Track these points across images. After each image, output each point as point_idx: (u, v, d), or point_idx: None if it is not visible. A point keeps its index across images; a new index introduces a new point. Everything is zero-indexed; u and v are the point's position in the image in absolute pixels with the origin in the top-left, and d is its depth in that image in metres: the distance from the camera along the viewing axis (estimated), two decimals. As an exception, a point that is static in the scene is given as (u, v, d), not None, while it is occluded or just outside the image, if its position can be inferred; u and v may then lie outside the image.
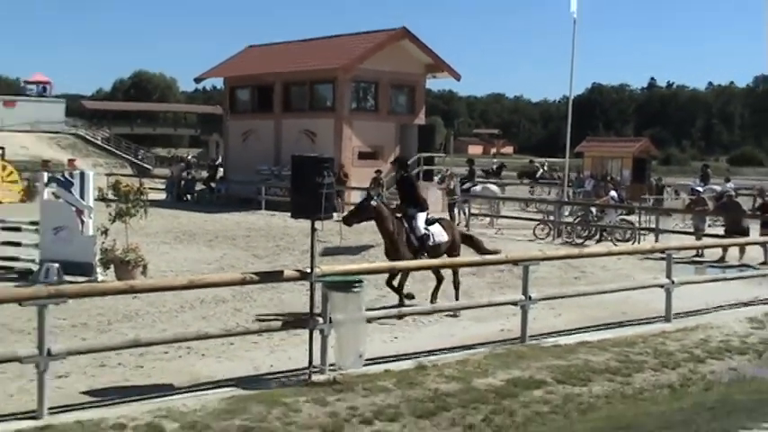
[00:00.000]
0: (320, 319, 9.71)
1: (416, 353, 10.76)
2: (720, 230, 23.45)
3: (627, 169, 42.53)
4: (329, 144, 32.66)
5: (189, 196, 38.61)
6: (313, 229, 9.66)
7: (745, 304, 14.90)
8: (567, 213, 26.98)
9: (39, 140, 72.06)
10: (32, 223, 16.78)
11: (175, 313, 12.98)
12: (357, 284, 9.42)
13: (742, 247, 20.61)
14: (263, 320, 11.87)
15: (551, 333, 12.13)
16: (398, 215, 13.67)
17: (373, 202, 13.26)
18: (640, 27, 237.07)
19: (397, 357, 10.54)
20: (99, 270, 15.71)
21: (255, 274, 10.55)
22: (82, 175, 16.58)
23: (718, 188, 32.90)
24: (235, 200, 33.45)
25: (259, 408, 8.32)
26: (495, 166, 54.99)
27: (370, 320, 10.32)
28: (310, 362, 9.55)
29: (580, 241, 24.40)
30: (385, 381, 9.33)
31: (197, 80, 42.16)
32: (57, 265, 15.26)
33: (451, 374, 9.72)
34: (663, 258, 14.58)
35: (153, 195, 23.47)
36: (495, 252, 14.21)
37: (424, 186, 32.94)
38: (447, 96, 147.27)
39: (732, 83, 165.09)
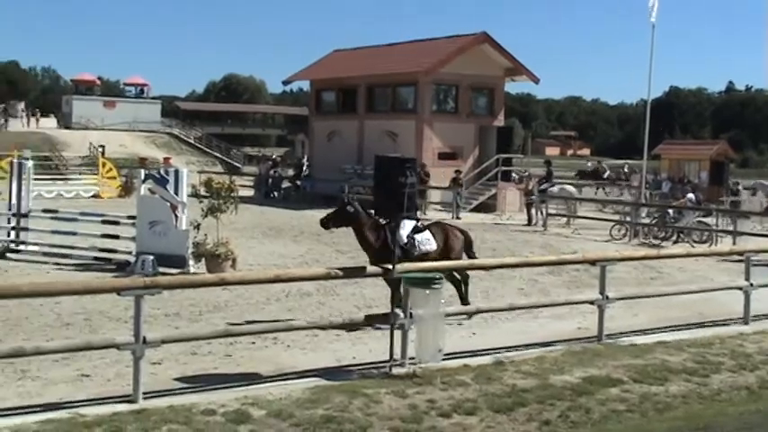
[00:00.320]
0: (401, 314, 9.89)
1: (494, 349, 10.90)
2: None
3: (704, 172, 41.95)
4: (410, 144, 33.04)
5: (276, 193, 39.35)
6: (395, 227, 9.89)
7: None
8: (643, 215, 26.84)
9: (136, 139, 74.00)
10: (130, 217, 17.46)
11: (262, 305, 13.35)
12: (437, 281, 9.64)
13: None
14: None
15: (628, 332, 12.13)
16: (382, 222, 12.28)
17: (350, 208, 12.28)
18: (718, 31, 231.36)
19: (475, 353, 10.64)
20: (191, 263, 16.29)
21: (339, 269, 10.82)
22: (176, 172, 17.15)
23: None
24: (319, 197, 33.96)
25: (341, 398, 8.53)
26: (590, 169, 54.11)
27: (448, 316, 10.46)
28: (391, 355, 9.76)
29: (656, 242, 24.22)
30: (463, 375, 9.47)
31: (285, 82, 44.20)
32: (152, 257, 15.92)
33: (528, 371, 9.81)
34: (739, 261, 14.43)
35: (242, 192, 24.00)
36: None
37: (502, 186, 33.20)
38: (525, 99, 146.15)
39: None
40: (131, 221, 17.35)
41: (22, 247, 18.58)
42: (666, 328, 12.67)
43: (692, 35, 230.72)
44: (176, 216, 16.63)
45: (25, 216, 18.70)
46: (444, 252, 12.49)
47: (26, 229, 18.77)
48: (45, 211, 19.25)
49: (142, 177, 17.95)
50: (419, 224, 12.47)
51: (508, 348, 11.00)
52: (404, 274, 9.97)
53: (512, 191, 33.57)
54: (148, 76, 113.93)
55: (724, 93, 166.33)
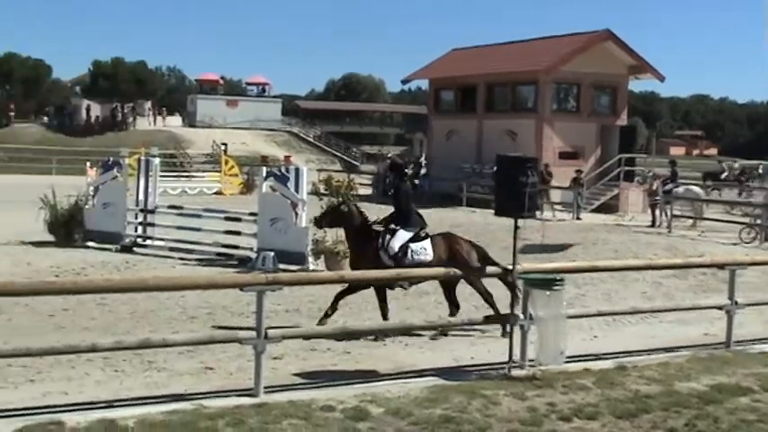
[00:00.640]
0: (521, 315, 9.80)
1: (616, 353, 10.67)
2: None
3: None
4: (530, 144, 32.80)
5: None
6: (516, 227, 9.79)
7: None
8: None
9: (257, 137, 75.78)
10: (251, 214, 17.86)
11: (380, 303, 13.45)
12: (558, 282, 9.49)
13: None
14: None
15: (759, 340, 11.69)
16: (378, 227, 12.08)
17: (344, 207, 12.15)
18: None
19: (597, 356, 10.46)
20: (311, 259, 16.52)
21: (468, 268, 10.79)
22: (297, 170, 17.45)
23: None
24: (437, 196, 33.98)
25: (460, 398, 8.47)
26: (737, 172, 52.11)
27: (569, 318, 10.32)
28: (510, 356, 9.67)
29: (790, 247, 23.16)
30: (584, 379, 9.29)
31: (404, 81, 44.34)
32: (272, 253, 16.23)
33: (652, 376, 9.56)
34: None
35: (361, 190, 24.15)
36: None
37: (625, 187, 32.46)
38: (649, 97, 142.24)
39: None
40: (253, 218, 17.73)
41: (148, 242, 19.25)
42: (801, 336, 12.11)
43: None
44: (296, 213, 16.90)
45: (152, 212, 19.38)
46: (441, 264, 11.44)
47: (152, 225, 19.46)
48: (171, 207, 19.88)
49: (263, 175, 18.26)
50: (422, 233, 11.94)
51: (630, 353, 10.77)
52: (524, 276, 9.85)
53: (634, 191, 32.81)
54: (270, 76, 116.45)
55: None
